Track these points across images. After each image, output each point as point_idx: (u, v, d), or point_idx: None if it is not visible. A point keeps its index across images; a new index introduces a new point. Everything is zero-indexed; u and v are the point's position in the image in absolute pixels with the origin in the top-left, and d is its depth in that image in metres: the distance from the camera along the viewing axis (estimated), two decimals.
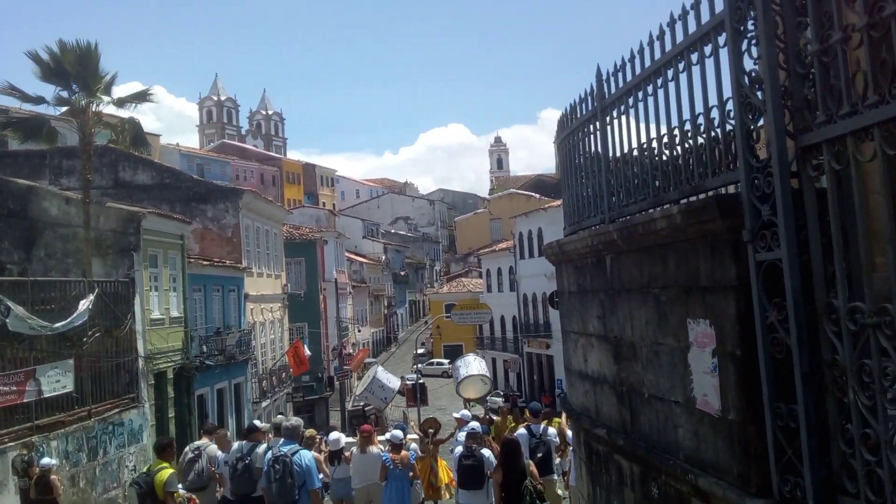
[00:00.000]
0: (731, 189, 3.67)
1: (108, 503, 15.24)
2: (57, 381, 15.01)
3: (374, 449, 10.13)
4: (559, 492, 9.37)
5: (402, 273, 78.74)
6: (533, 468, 8.48)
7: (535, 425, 9.52)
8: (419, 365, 39.58)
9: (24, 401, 13.98)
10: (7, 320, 13.60)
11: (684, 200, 4.00)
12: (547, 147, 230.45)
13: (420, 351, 50.69)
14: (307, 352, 29.72)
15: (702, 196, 3.77)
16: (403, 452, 9.94)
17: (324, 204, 79.08)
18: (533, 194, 60.93)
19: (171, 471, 8.41)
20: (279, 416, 10.40)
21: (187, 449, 10.54)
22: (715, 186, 3.69)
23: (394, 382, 15.26)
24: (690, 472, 3.89)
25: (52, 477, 11.20)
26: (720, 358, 3.61)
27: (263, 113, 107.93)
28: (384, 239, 76.92)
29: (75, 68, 17.44)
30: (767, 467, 3.29)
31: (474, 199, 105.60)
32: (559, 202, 42.00)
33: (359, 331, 56.76)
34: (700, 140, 3.82)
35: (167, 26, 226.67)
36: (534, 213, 44.40)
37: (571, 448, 9.20)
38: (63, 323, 15.34)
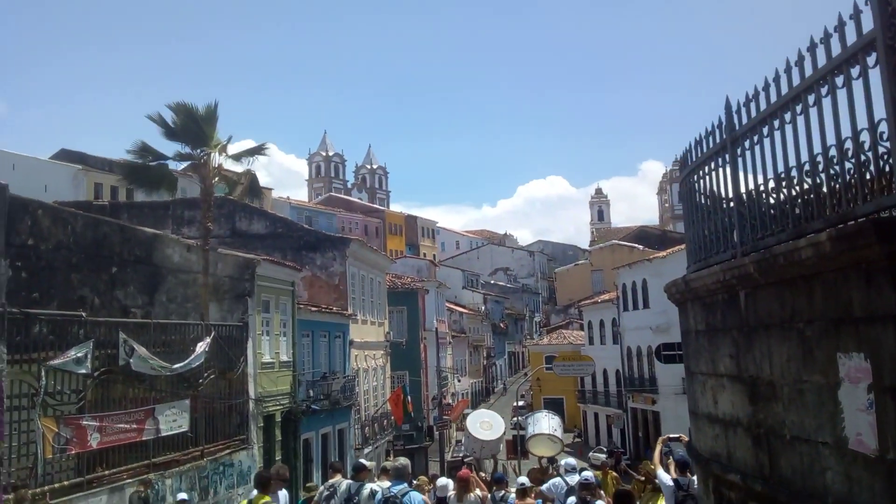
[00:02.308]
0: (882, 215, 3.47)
1: None
2: (174, 420, 15.59)
3: (471, 496, 9.94)
4: None
5: (502, 324, 78.35)
6: None
7: (682, 478, 9.08)
8: (519, 418, 38.95)
9: (143, 439, 14.59)
10: (131, 360, 14.30)
11: (828, 230, 3.81)
12: (648, 199, 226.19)
13: (520, 403, 49.93)
14: (409, 402, 29.81)
15: (850, 224, 3.58)
16: (528, 500, 9.71)
17: (425, 255, 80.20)
18: (636, 245, 59.83)
19: None
20: (388, 461, 10.41)
21: (322, 488, 10.64)
22: (867, 213, 3.51)
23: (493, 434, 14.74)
24: None
25: None
26: (877, 393, 3.39)
27: (368, 167, 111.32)
28: (484, 289, 76.98)
29: (196, 128, 18.61)
30: None
31: (574, 250, 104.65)
32: (665, 253, 41.35)
33: (458, 381, 56.59)
34: (848, 165, 3.66)
35: (278, 86, 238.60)
36: (638, 265, 43.51)
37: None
38: (181, 364, 15.99)
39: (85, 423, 12.95)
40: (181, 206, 27.29)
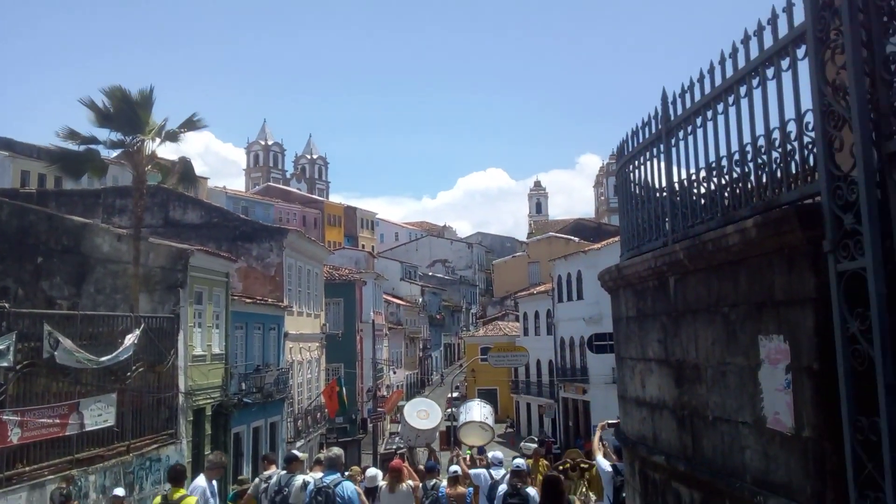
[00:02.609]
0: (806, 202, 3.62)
1: None
2: (99, 414, 15.15)
3: (403, 486, 9.96)
4: None
5: (439, 316, 78.62)
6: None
7: (620, 463, 9.24)
8: (452, 409, 39.21)
9: (67, 434, 14.14)
10: (55, 353, 13.84)
11: (754, 217, 3.95)
12: (585, 192, 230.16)
13: (454, 395, 50.22)
14: (344, 396, 29.51)
15: (775, 210, 3.73)
16: (460, 489, 9.78)
17: (363, 246, 79.84)
18: (572, 238, 60.70)
19: (195, 498, 8.53)
20: (321, 453, 10.38)
21: (258, 480, 10.59)
22: (791, 200, 3.66)
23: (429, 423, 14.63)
24: (759, 493, 3.79)
25: None
26: (795, 373, 3.54)
27: (308, 157, 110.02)
28: (422, 281, 77.09)
29: (130, 113, 18.05)
30: (844, 484, 3.20)
31: (512, 242, 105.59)
32: (599, 245, 42.10)
33: (394, 373, 56.58)
34: (775, 154, 3.81)
35: (216, 74, 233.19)
36: (573, 257, 44.19)
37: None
38: (109, 357, 15.55)
39: (5, 417, 12.48)
40: (112, 194, 26.51)
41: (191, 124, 19.63)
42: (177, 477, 9.08)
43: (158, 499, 9.12)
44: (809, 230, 3.35)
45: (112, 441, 15.82)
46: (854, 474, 3.12)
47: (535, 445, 15.67)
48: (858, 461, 3.10)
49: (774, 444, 3.75)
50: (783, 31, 3.70)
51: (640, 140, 5.72)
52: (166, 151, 20.17)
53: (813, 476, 3.44)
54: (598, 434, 9.45)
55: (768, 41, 3.80)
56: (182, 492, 8.80)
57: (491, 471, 10.36)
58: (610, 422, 9.57)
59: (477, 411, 14.84)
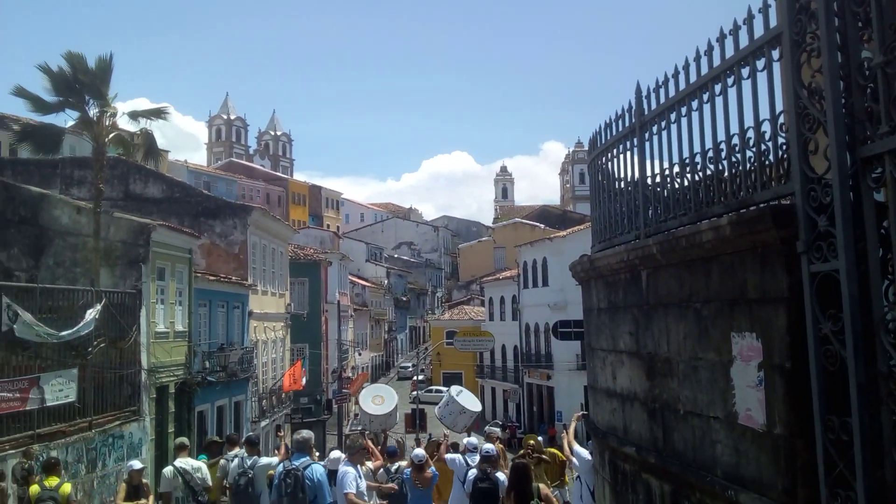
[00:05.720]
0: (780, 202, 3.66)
1: None
2: (60, 389, 14.93)
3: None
4: None
5: (404, 298, 78.58)
6: (547, 491, 8.37)
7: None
8: (417, 392, 39.41)
9: (27, 408, 13.91)
10: (15, 326, 13.56)
11: (728, 214, 3.99)
12: (549, 178, 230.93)
13: (420, 378, 50.41)
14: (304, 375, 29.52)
15: (750, 209, 3.77)
16: (427, 472, 9.83)
17: (328, 226, 79.21)
18: (538, 224, 60.99)
19: (69, 484, 9.57)
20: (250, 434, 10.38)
21: (224, 461, 10.57)
22: (764, 200, 3.70)
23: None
24: (730, 488, 3.84)
25: (145, 481, 11.41)
26: (767, 371, 3.59)
27: (272, 133, 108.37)
28: (387, 263, 76.90)
29: (89, 80, 17.60)
30: (815, 481, 3.26)
31: (478, 227, 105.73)
32: (565, 232, 42.37)
33: (359, 354, 56.52)
34: (749, 154, 3.84)
35: (179, 45, 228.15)
36: (539, 243, 44.43)
37: (576, 475, 8.97)
38: (70, 331, 15.29)
39: None
40: (70, 164, 25.82)
41: (156, 113, 19.30)
42: (51, 467, 9.96)
43: (35, 487, 9.78)
44: (783, 230, 3.39)
45: (74, 417, 15.60)
46: (825, 473, 3.18)
47: (499, 430, 15.70)
48: (830, 460, 3.16)
49: (746, 440, 3.80)
50: (759, 31, 3.72)
51: (614, 133, 5.73)
52: (126, 122, 19.80)
53: (784, 473, 3.49)
54: (573, 424, 9.57)
55: (744, 41, 3.81)
56: (56, 479, 9.52)
57: (466, 457, 10.44)
58: (586, 412, 9.64)
59: (471, 402, 14.70)
